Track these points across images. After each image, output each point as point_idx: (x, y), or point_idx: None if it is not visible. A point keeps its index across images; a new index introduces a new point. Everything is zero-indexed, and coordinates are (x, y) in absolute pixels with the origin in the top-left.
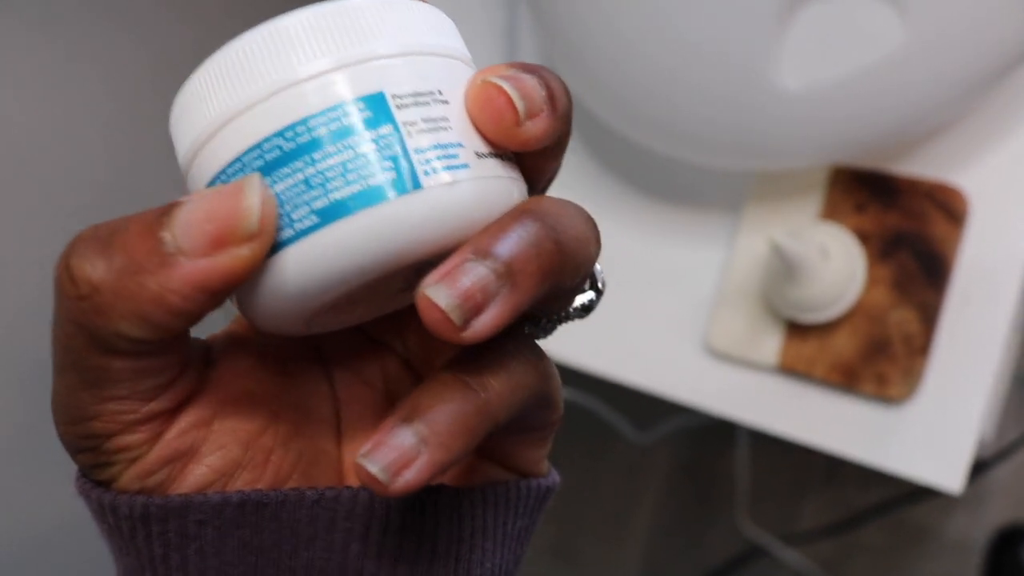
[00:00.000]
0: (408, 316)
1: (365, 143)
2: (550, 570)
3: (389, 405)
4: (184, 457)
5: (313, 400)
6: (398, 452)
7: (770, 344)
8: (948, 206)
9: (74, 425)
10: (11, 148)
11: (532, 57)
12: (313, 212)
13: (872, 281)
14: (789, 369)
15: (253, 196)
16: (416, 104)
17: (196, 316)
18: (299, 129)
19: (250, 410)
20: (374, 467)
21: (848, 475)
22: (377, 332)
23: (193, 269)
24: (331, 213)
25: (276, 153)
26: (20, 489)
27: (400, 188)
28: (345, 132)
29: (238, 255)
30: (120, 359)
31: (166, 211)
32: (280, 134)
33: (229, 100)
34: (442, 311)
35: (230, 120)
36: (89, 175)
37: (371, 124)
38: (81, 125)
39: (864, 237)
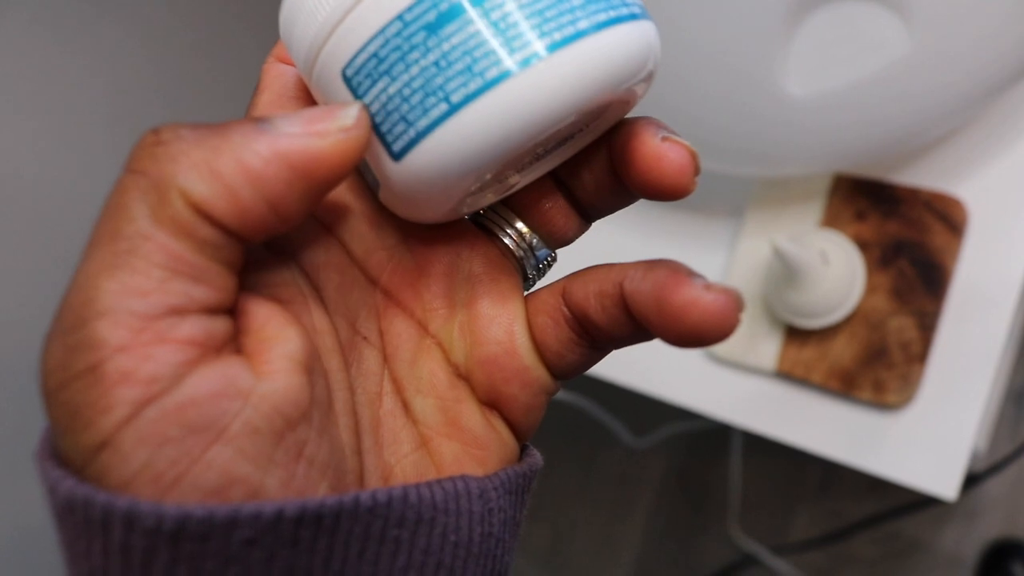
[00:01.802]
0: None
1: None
2: (543, 575)
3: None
4: (209, 430)
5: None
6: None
7: (769, 349)
8: (948, 216)
9: (75, 331)
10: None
11: None
12: (478, 75)
13: (871, 288)
14: (787, 374)
15: (353, 106)
16: None
17: (269, 201)
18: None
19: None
20: (730, 292)
21: (841, 486)
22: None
23: (282, 139)
24: (490, 83)
25: (419, 24)
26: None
27: (551, 47)
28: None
29: (332, 139)
30: (163, 233)
31: (262, 120)
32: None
33: None
34: (692, 156)
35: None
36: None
37: None
38: (76, 124)
39: (864, 245)
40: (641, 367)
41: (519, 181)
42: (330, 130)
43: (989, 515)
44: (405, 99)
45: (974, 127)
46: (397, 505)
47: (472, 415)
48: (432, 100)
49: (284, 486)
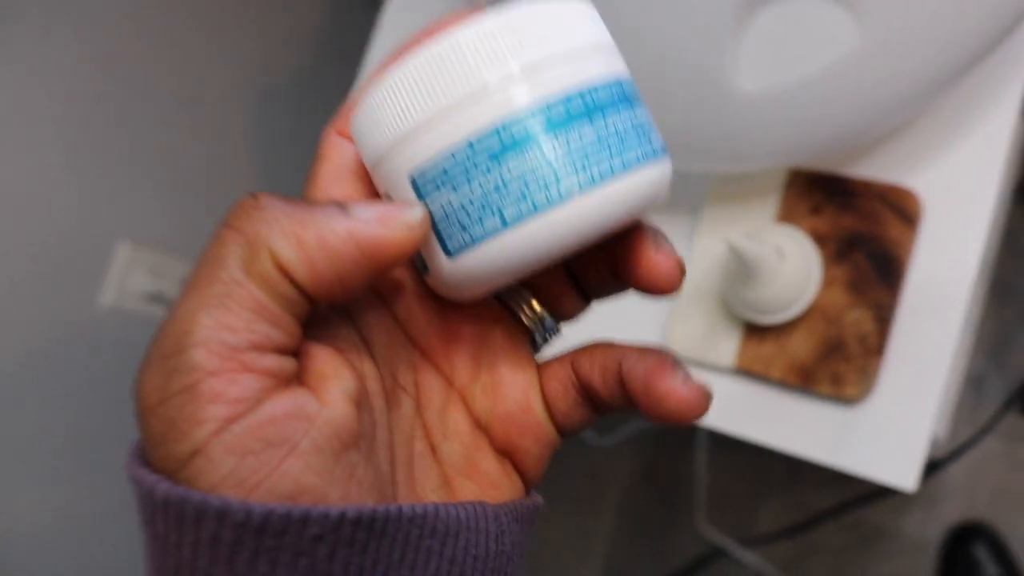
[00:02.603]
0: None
1: (547, 146)
2: None
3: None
4: (283, 445)
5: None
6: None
7: (727, 345)
8: (902, 208)
9: (174, 356)
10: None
11: None
12: (529, 201)
13: (828, 282)
14: (746, 370)
15: (417, 207)
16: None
17: (339, 273)
18: (511, 126)
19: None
20: (701, 387)
21: (806, 478)
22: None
23: (357, 224)
24: (539, 205)
25: (485, 152)
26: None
27: (587, 183)
28: (524, 140)
29: (398, 232)
30: (252, 283)
31: (343, 205)
32: (496, 131)
33: (431, 101)
34: (679, 264)
35: (438, 118)
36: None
37: (570, 118)
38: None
39: (820, 239)
40: None
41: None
42: (397, 225)
43: (950, 500)
44: (464, 210)
45: (926, 119)
46: (431, 518)
47: (489, 461)
48: (488, 215)
49: (342, 500)
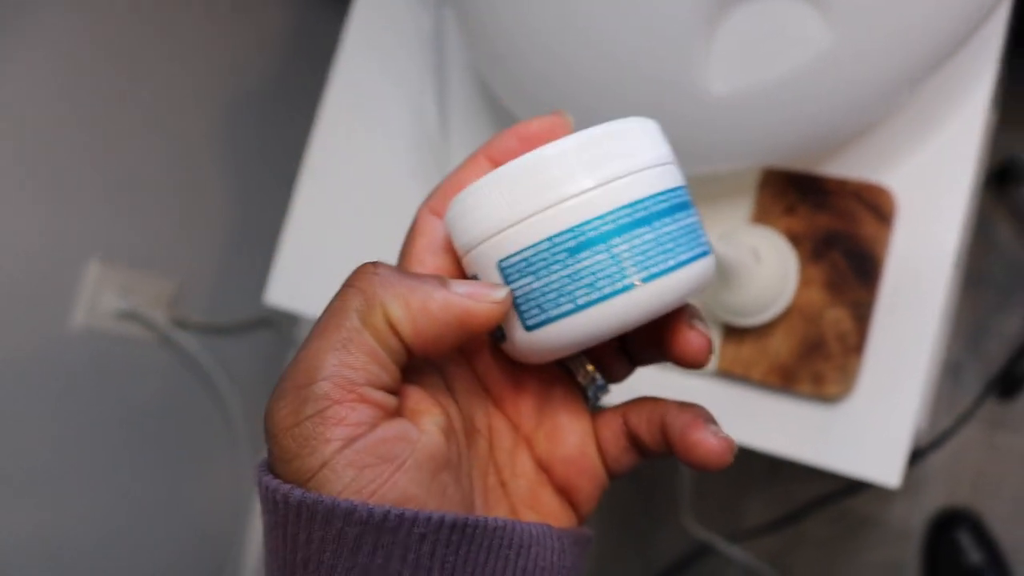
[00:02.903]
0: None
1: (618, 246)
2: None
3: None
4: (393, 462)
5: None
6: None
7: None
8: (876, 205)
9: (306, 387)
10: None
11: (458, 63)
12: (597, 290)
13: (805, 282)
14: (727, 372)
15: (503, 289)
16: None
17: (435, 333)
18: (585, 228)
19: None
20: (728, 440)
21: (789, 471)
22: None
23: (455, 296)
24: (605, 295)
25: (563, 247)
26: None
27: (648, 278)
28: (598, 239)
29: (485, 307)
30: (368, 333)
31: (443, 279)
32: (571, 231)
33: (519, 206)
34: (708, 340)
35: (525, 219)
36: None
37: (640, 223)
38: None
39: (795, 239)
40: None
41: None
42: (485, 301)
43: (932, 487)
44: (543, 293)
45: (898, 116)
46: (509, 530)
47: (550, 496)
48: (563, 299)
49: (439, 509)
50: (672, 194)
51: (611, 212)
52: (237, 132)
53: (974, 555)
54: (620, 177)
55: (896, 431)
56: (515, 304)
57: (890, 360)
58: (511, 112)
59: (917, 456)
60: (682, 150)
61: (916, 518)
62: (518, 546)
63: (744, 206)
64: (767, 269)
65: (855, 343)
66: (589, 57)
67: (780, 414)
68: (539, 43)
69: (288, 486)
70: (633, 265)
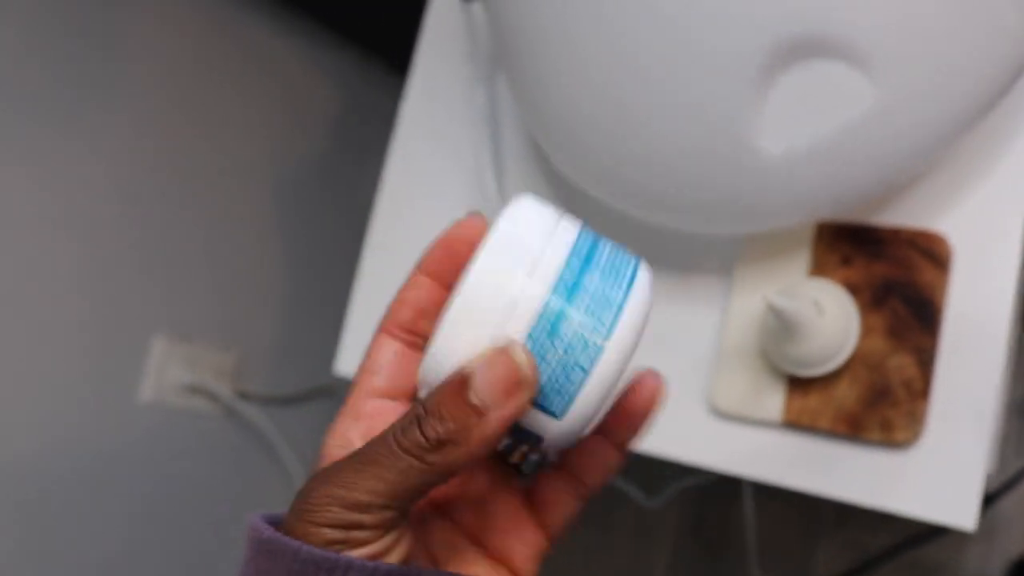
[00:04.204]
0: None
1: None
2: None
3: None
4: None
5: None
6: None
7: (773, 400)
8: (932, 251)
9: (343, 496)
10: None
11: (513, 133)
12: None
13: (866, 330)
14: (794, 423)
15: (520, 354)
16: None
17: (490, 450)
18: (545, 312)
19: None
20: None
21: (858, 518)
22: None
23: (497, 417)
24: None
25: (543, 329)
26: None
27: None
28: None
29: (521, 399)
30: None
31: (464, 381)
32: (539, 317)
33: (488, 324)
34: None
35: (499, 333)
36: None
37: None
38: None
39: (854, 288)
40: (650, 429)
41: None
42: (519, 389)
43: (1008, 532)
44: (554, 379)
45: (948, 161)
46: None
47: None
48: (573, 371)
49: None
50: (584, 234)
51: (554, 283)
52: (292, 208)
53: None
54: (541, 253)
55: (968, 473)
56: (536, 404)
57: (957, 403)
58: (575, 184)
59: (989, 500)
60: (739, 211)
61: (992, 565)
62: None
63: (802, 260)
64: (829, 320)
65: (921, 388)
66: (644, 132)
67: (850, 462)
68: (595, 108)
69: (298, 543)
70: (604, 303)
